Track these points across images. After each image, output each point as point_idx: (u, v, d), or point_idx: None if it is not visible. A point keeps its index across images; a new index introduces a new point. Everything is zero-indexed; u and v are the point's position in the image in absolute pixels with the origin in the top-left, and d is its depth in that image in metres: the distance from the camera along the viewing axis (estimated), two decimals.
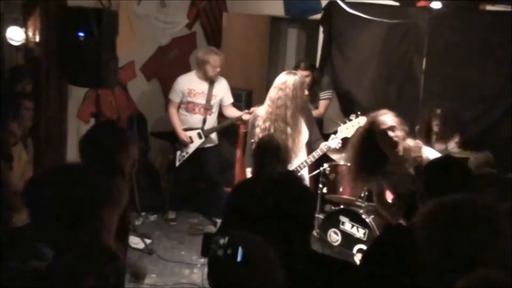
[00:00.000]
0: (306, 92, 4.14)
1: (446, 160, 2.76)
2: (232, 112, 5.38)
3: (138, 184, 5.49)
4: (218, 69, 5.18)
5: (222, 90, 5.30)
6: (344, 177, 4.74)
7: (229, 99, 5.37)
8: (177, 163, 5.37)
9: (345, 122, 4.09)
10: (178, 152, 5.36)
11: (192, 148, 5.30)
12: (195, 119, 5.29)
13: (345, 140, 4.17)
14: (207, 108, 5.26)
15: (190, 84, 5.24)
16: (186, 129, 5.31)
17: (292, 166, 3.96)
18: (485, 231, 1.41)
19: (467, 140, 4.81)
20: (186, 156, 5.33)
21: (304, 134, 4.10)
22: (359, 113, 4.06)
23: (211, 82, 5.23)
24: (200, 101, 5.25)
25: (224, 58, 5.23)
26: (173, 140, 5.39)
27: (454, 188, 2.13)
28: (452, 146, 4.66)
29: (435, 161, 2.71)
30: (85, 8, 4.51)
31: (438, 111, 4.70)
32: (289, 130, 3.96)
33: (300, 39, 7.04)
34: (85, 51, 4.37)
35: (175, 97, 5.29)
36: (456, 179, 2.25)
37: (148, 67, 6.01)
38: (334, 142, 4.09)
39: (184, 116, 5.32)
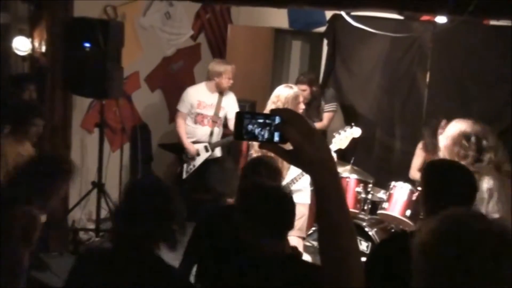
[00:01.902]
0: (302, 106, 4.10)
1: (446, 160, 2.74)
2: None
3: None
4: (231, 81, 5.19)
5: (230, 103, 5.31)
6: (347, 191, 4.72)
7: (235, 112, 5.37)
8: (184, 176, 5.36)
9: (339, 133, 4.07)
10: (185, 165, 5.36)
11: (199, 161, 5.30)
12: (203, 131, 5.28)
13: (339, 152, 4.14)
14: (215, 120, 5.27)
15: (199, 95, 5.24)
16: (193, 142, 5.28)
17: (286, 180, 3.95)
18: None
19: None
20: (193, 169, 5.33)
21: None
22: (353, 124, 4.05)
23: (221, 94, 5.24)
24: (209, 113, 5.25)
25: (234, 69, 5.24)
26: (180, 152, 5.39)
27: (454, 190, 2.12)
28: None
29: (435, 161, 2.67)
30: (91, 19, 4.53)
31: (443, 122, 4.67)
32: None
33: (304, 51, 7.07)
34: (90, 61, 4.39)
35: (183, 108, 5.28)
36: (456, 180, 2.20)
37: (152, 78, 6.03)
38: None
39: (192, 128, 5.31)
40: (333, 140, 4.01)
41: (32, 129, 3.91)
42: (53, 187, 2.65)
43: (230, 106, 5.31)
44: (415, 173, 4.94)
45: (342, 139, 3.99)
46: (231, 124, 5.38)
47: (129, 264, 1.97)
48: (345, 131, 4.01)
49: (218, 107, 5.25)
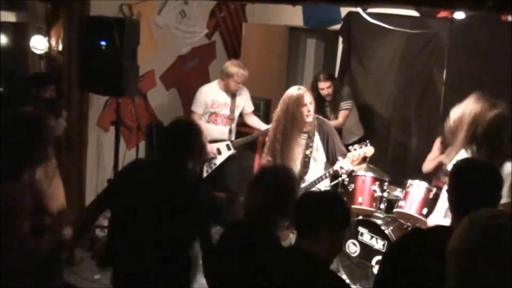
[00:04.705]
0: (311, 108, 3.97)
1: (469, 159, 2.68)
2: (254, 121, 5.39)
3: None
4: (240, 85, 5.16)
5: (244, 100, 5.31)
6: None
7: (250, 107, 5.37)
8: (205, 175, 5.34)
9: (355, 149, 4.02)
10: (206, 164, 5.35)
11: (220, 159, 5.27)
12: (217, 129, 5.26)
13: None
14: (231, 118, 5.27)
15: (213, 95, 5.22)
16: (212, 141, 5.24)
17: (304, 183, 3.95)
18: None
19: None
20: (214, 167, 5.31)
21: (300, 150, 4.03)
22: (367, 142, 4.04)
23: (233, 95, 5.24)
24: (223, 112, 5.24)
25: (247, 74, 5.18)
26: None
27: (478, 191, 2.08)
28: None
29: (459, 161, 2.61)
30: (107, 18, 4.56)
31: None
32: (277, 146, 3.97)
33: (319, 49, 7.06)
34: (106, 60, 4.41)
35: (198, 108, 5.24)
36: (480, 180, 2.15)
37: (167, 76, 6.05)
38: (342, 171, 4.03)
39: (205, 127, 5.30)
40: (348, 155, 3.98)
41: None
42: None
43: (244, 103, 5.31)
44: (426, 164, 4.91)
45: (355, 155, 3.97)
46: (247, 120, 5.38)
47: None
48: (361, 147, 3.99)
49: (233, 105, 5.24)
